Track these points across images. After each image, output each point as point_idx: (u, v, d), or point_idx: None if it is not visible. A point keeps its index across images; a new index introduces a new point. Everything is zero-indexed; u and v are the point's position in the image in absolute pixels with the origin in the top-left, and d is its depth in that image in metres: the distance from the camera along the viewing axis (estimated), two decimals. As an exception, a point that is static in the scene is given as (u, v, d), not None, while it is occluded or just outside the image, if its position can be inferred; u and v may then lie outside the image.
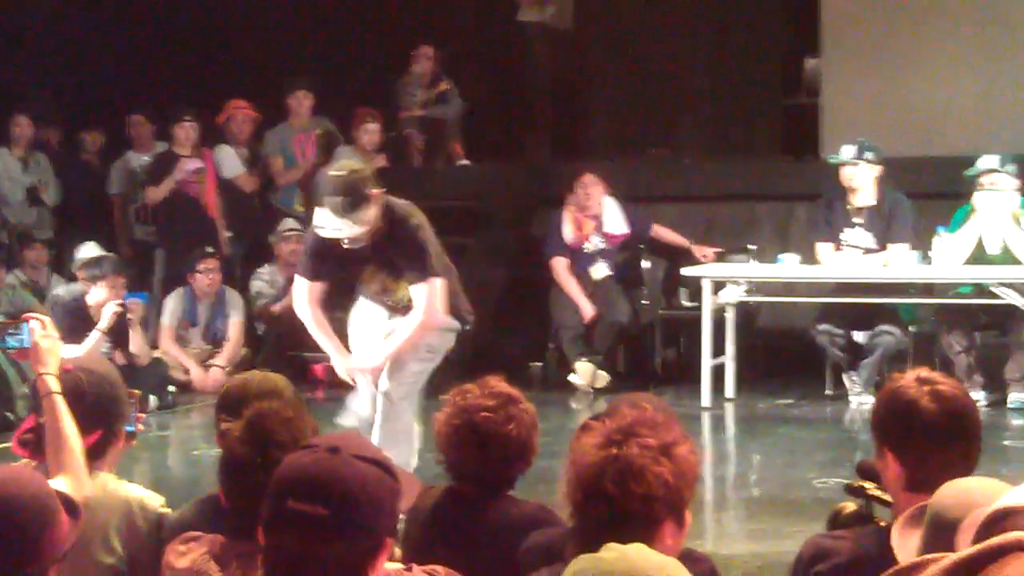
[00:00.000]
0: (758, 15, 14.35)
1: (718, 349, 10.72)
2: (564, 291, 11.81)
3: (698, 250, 12.11)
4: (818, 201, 11.20)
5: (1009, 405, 10.20)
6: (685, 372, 11.59)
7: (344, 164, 7.16)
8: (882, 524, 3.64)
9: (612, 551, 2.51)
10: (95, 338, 10.51)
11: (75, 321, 10.48)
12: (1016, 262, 10.27)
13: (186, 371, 11.80)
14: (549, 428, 8.22)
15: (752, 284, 10.94)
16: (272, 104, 13.48)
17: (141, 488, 4.38)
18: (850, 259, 10.74)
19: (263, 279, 12.50)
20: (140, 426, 4.51)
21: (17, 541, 3.09)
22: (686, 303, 11.91)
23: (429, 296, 6.93)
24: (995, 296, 10.08)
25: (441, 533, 4.23)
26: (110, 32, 14.83)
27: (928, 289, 11.01)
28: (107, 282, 10.85)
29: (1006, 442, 9.32)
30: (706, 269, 11.25)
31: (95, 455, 4.20)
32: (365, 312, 7.31)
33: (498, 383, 4.37)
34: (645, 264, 12.25)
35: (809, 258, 10.87)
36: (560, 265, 11.88)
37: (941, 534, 2.85)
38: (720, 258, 11.97)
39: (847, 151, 10.76)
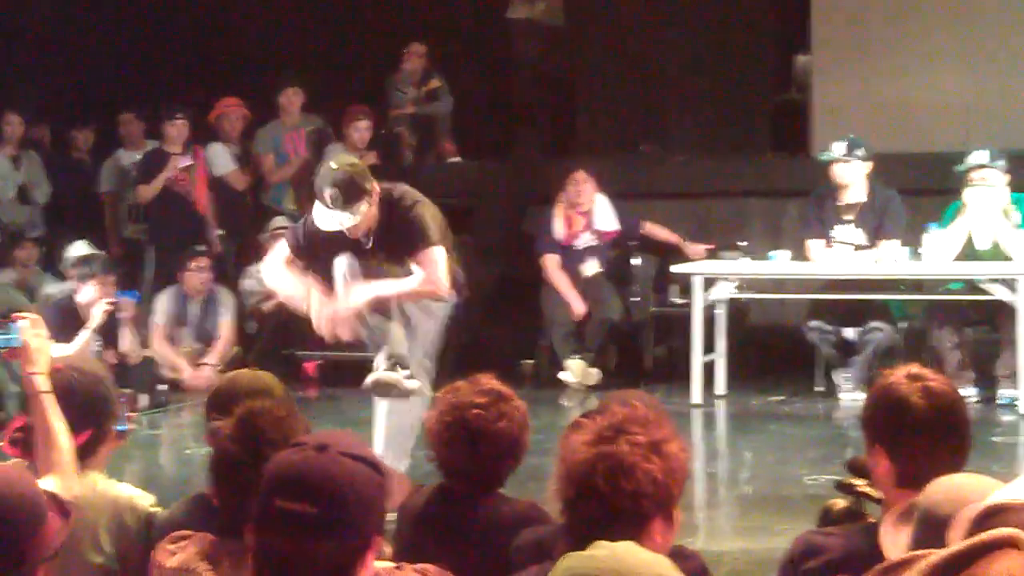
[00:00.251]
0: (749, 12, 14.35)
1: (709, 346, 10.72)
2: (555, 288, 11.81)
3: (689, 247, 12.11)
4: (809, 198, 11.21)
5: (999, 401, 10.21)
6: (676, 369, 11.59)
7: (342, 159, 7.16)
8: (872, 521, 3.64)
9: (602, 548, 2.51)
10: (85, 337, 10.49)
11: (65, 320, 10.46)
12: (1006, 258, 10.28)
13: (177, 370, 11.78)
14: (540, 425, 8.20)
15: (743, 281, 10.95)
16: (263, 102, 13.47)
17: (131, 487, 4.38)
18: (841, 256, 10.75)
19: (254, 277, 12.48)
20: (131, 425, 4.51)
21: (6, 541, 3.08)
22: (677, 300, 11.91)
23: (433, 264, 6.91)
24: (985, 292, 10.08)
25: (432, 531, 4.23)
26: (101, 30, 14.82)
27: (918, 285, 11.02)
28: (97, 281, 10.84)
29: (996, 438, 9.32)
30: (697, 266, 11.26)
31: (85, 454, 4.20)
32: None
33: (489, 380, 4.37)
34: (636, 261, 12.25)
35: (800, 255, 10.88)
36: (551, 262, 11.88)
37: (931, 530, 2.86)
38: (711, 255, 11.97)
39: (838, 148, 10.76)
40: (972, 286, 10.29)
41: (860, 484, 3.82)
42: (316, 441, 2.93)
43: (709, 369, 10.72)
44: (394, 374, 6.96)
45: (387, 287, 6.96)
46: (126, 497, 4.27)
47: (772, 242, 11.70)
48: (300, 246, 7.13)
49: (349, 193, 6.75)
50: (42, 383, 4.08)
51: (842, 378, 10.70)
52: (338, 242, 6.98)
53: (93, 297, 10.73)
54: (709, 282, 10.74)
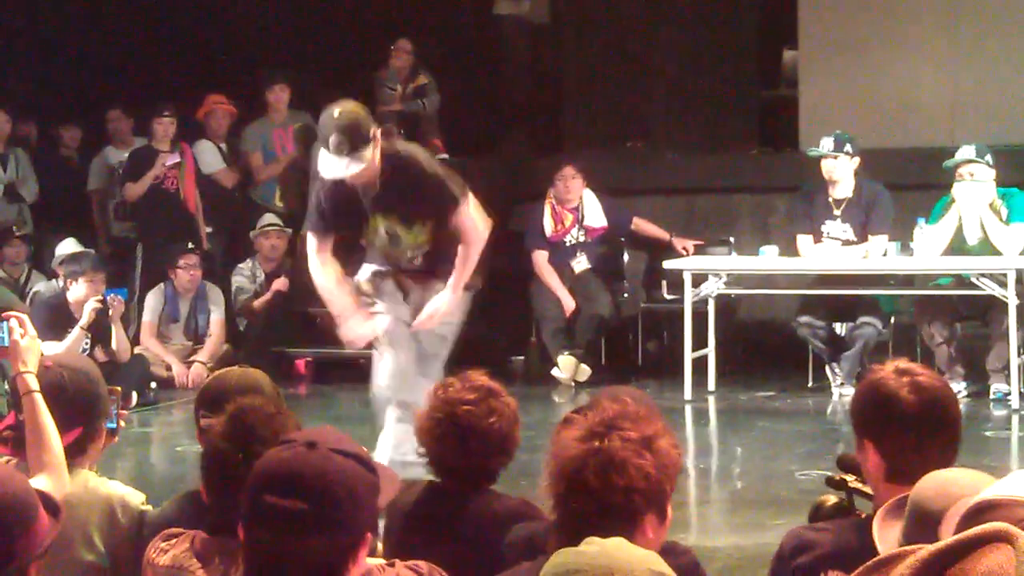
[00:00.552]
0: (736, 8, 14.36)
1: (699, 342, 10.72)
2: (545, 285, 11.81)
3: (678, 243, 12.12)
4: (797, 193, 11.22)
5: (990, 396, 10.22)
6: (667, 365, 11.61)
7: (345, 105, 7.02)
8: (863, 516, 3.64)
9: (593, 545, 2.51)
10: (75, 335, 10.50)
11: (55, 318, 10.46)
12: (995, 252, 10.29)
13: (167, 367, 11.77)
14: (531, 422, 8.22)
15: (732, 277, 10.96)
16: (251, 99, 13.46)
17: (122, 485, 4.37)
18: (830, 251, 10.76)
19: (244, 275, 12.48)
20: (122, 423, 4.50)
21: None
22: (667, 296, 11.92)
23: (471, 217, 6.94)
24: (975, 287, 10.10)
25: (423, 528, 4.23)
26: (87, 27, 14.79)
27: (908, 280, 11.04)
28: (87, 278, 10.84)
29: (987, 433, 9.34)
30: (687, 262, 11.27)
31: (75, 452, 4.19)
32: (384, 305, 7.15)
33: (479, 377, 4.37)
34: (625, 257, 12.26)
35: (789, 250, 10.88)
36: (541, 259, 11.89)
37: (922, 525, 2.86)
38: (700, 251, 11.98)
39: (826, 144, 10.76)
40: (962, 281, 10.30)
41: (851, 480, 3.83)
42: (306, 438, 2.93)
43: (700, 365, 10.72)
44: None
45: (449, 292, 7.01)
46: (117, 495, 4.27)
47: (760, 238, 11.71)
48: (320, 224, 7.05)
49: (354, 139, 6.66)
50: (31, 383, 4.08)
51: (833, 373, 10.71)
52: (349, 204, 6.90)
53: (82, 295, 10.73)
54: (699, 278, 10.75)
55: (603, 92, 14.33)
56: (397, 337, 7.06)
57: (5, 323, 4.17)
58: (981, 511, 2.27)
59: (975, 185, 10.32)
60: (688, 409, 10.42)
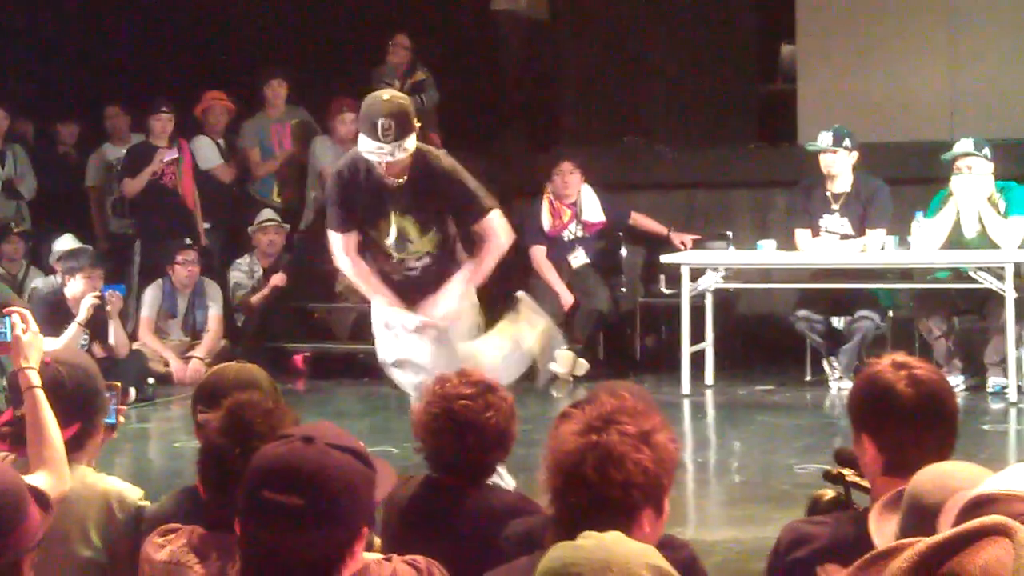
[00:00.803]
0: (733, 3, 14.35)
1: (697, 336, 10.73)
2: (543, 280, 11.81)
3: (676, 237, 12.12)
4: (796, 188, 11.22)
5: (988, 389, 10.23)
6: (665, 359, 11.60)
7: (393, 92, 7.04)
8: (860, 509, 3.64)
9: (590, 539, 2.51)
10: (73, 331, 10.49)
11: (53, 314, 10.46)
12: (993, 246, 10.29)
13: (165, 363, 11.77)
14: (529, 416, 8.22)
15: (730, 271, 10.96)
16: (248, 95, 13.45)
17: (120, 481, 4.37)
18: (828, 245, 10.76)
19: (242, 270, 12.48)
20: (121, 418, 4.50)
21: None
22: (665, 290, 11.92)
23: (498, 223, 6.97)
24: (973, 280, 10.10)
25: (420, 523, 4.23)
26: (84, 23, 14.78)
27: (906, 274, 11.04)
28: (85, 274, 10.84)
29: (985, 426, 9.34)
30: (685, 256, 11.27)
31: (73, 448, 4.19)
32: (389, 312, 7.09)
33: (477, 371, 4.37)
34: (623, 252, 12.26)
35: (787, 245, 10.88)
36: (539, 254, 11.89)
37: (919, 519, 2.86)
38: (698, 245, 11.98)
39: (824, 138, 10.77)
40: (960, 274, 10.31)
41: (848, 474, 3.82)
42: (303, 433, 2.93)
43: (698, 359, 10.72)
44: None
45: (461, 283, 6.97)
46: (115, 490, 4.27)
47: (758, 232, 11.72)
48: (341, 220, 7.00)
49: (403, 125, 6.63)
50: (33, 378, 4.08)
51: (831, 367, 10.71)
52: (370, 198, 6.87)
53: (80, 291, 10.73)
54: (697, 272, 10.75)
55: (601, 87, 14.32)
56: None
57: (8, 319, 4.17)
58: (979, 505, 2.26)
59: (973, 179, 10.33)
60: (686, 403, 10.42)
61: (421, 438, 4.33)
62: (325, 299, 12.53)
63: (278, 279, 12.25)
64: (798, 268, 11.16)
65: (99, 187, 13.53)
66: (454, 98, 14.20)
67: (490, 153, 14.19)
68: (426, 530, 4.15)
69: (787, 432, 9.40)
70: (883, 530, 3.13)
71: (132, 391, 10.55)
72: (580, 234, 11.96)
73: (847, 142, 10.71)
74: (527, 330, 7.19)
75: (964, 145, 10.44)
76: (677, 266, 10.89)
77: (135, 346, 11.43)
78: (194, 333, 12.06)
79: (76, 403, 4.25)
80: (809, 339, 10.87)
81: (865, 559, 2.28)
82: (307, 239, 12.49)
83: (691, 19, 14.06)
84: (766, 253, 10.89)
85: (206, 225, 12.96)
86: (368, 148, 6.70)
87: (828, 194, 10.81)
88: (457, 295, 6.99)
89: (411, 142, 6.67)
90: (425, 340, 6.99)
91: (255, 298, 12.24)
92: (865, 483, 3.72)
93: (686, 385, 10.57)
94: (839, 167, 10.74)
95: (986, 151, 10.37)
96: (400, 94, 7.12)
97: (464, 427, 4.24)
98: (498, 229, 6.97)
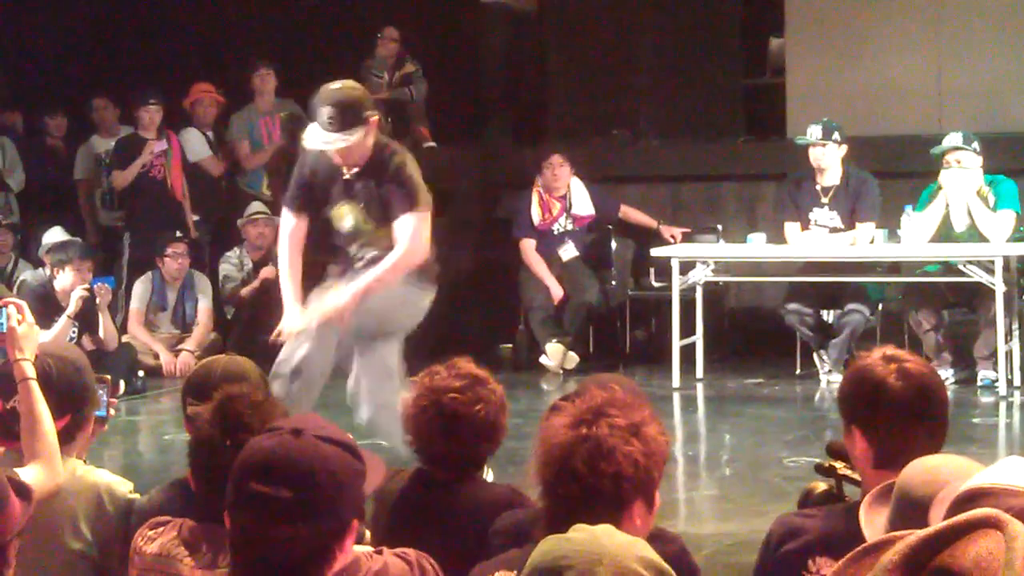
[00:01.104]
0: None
1: (687, 329, 10.73)
2: (533, 273, 11.81)
3: (666, 230, 12.12)
4: (785, 181, 11.23)
5: (978, 383, 10.24)
6: (655, 352, 11.62)
7: (347, 82, 6.98)
8: (852, 502, 3.64)
9: (580, 531, 2.51)
10: (62, 323, 10.48)
11: (42, 306, 10.41)
12: (983, 240, 10.30)
13: (155, 356, 11.76)
14: (519, 410, 8.24)
15: (720, 264, 10.97)
16: (236, 87, 13.44)
17: (110, 474, 4.36)
18: (818, 238, 10.77)
19: (231, 263, 12.47)
20: (111, 411, 4.49)
21: None
22: (655, 284, 11.93)
23: (416, 228, 6.72)
24: (962, 274, 10.11)
25: (410, 516, 4.23)
26: (71, 14, 14.75)
27: (896, 267, 11.05)
28: (74, 267, 10.83)
29: (975, 420, 9.35)
30: (674, 249, 11.27)
31: (64, 441, 4.18)
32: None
33: (466, 364, 4.36)
34: (613, 245, 12.26)
35: (777, 238, 10.89)
36: (529, 247, 11.89)
37: (909, 512, 2.86)
38: (688, 238, 11.98)
39: (813, 131, 10.77)
40: (949, 268, 10.32)
41: (839, 467, 3.83)
42: (292, 425, 2.93)
43: (688, 352, 10.73)
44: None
45: (366, 279, 6.78)
46: (105, 483, 4.26)
47: (748, 225, 11.73)
48: (297, 200, 6.98)
49: (345, 115, 6.58)
50: (28, 370, 4.07)
51: (821, 360, 10.72)
52: (329, 182, 6.82)
53: (69, 283, 10.72)
54: (687, 265, 10.75)
55: (589, 80, 14.30)
56: (322, 332, 6.86)
57: (4, 310, 4.17)
58: (971, 499, 2.26)
59: (962, 172, 10.33)
60: (676, 396, 10.43)
61: (411, 431, 4.32)
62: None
63: (268, 272, 12.22)
64: (788, 261, 11.17)
65: (88, 180, 13.51)
66: (443, 90, 14.20)
67: (478, 146, 14.20)
68: (416, 523, 4.15)
69: (777, 425, 9.40)
70: (873, 523, 3.13)
71: (122, 384, 10.52)
72: (570, 227, 11.96)
73: (836, 135, 10.72)
74: None
75: (953, 139, 10.45)
76: (667, 259, 10.90)
77: (124, 339, 11.42)
78: (184, 326, 12.06)
79: (66, 396, 4.24)
80: (799, 332, 10.87)
81: (856, 552, 2.28)
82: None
83: (679, 12, 14.05)
84: (756, 247, 10.90)
85: (195, 217, 12.94)
86: (312, 135, 6.69)
87: (817, 187, 10.82)
88: (350, 294, 6.77)
89: (355, 134, 6.60)
90: (303, 339, 6.88)
91: (245, 291, 12.22)
92: (856, 476, 3.72)
93: (676, 378, 10.57)
94: (828, 160, 10.75)
95: (975, 145, 10.38)
96: (354, 85, 7.02)
97: (453, 420, 4.23)
98: (412, 235, 6.71)
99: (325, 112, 6.64)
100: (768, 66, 14.98)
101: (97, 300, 10.73)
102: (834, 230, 10.76)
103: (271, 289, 12.25)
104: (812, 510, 3.70)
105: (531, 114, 14.69)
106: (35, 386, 4.05)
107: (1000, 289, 9.92)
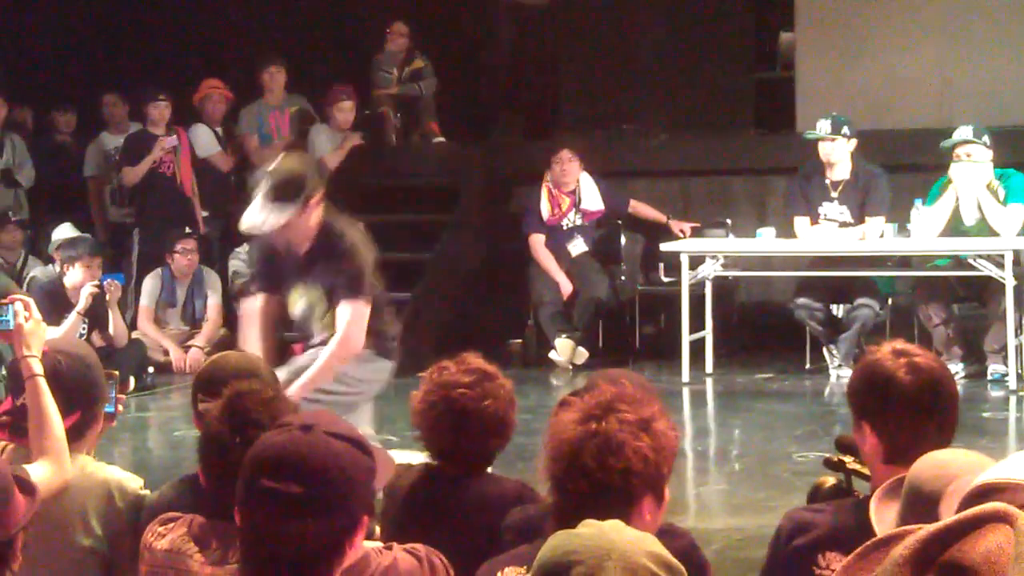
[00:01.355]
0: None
1: (697, 324, 10.73)
2: (542, 268, 11.80)
3: (676, 225, 12.12)
4: (795, 175, 11.21)
5: (988, 377, 10.23)
6: (664, 347, 11.61)
7: (289, 160, 6.71)
8: (861, 497, 3.64)
9: (590, 527, 2.51)
10: (72, 320, 10.49)
11: (52, 303, 10.44)
12: (993, 233, 10.29)
13: (165, 352, 11.77)
14: (529, 405, 8.24)
15: (730, 259, 10.96)
16: (245, 83, 13.44)
17: (120, 470, 4.36)
18: (827, 232, 10.75)
19: (241, 259, 12.47)
20: (120, 407, 4.49)
21: None
22: (664, 278, 11.93)
23: (352, 319, 6.40)
24: (972, 268, 10.10)
25: (420, 511, 4.23)
26: (80, 10, 14.77)
27: (905, 261, 11.04)
28: (84, 263, 10.84)
29: (985, 414, 9.35)
30: (684, 244, 11.27)
31: (73, 437, 4.18)
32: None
33: (475, 359, 4.36)
34: (623, 240, 12.26)
35: (786, 232, 10.88)
36: (538, 242, 11.88)
37: (919, 506, 2.86)
38: (697, 233, 11.98)
39: (823, 126, 10.76)
40: (959, 262, 10.31)
41: (849, 461, 3.82)
42: (302, 421, 2.93)
43: (697, 347, 10.73)
44: None
45: (311, 371, 6.44)
46: (115, 479, 4.26)
47: (757, 220, 11.72)
48: (258, 280, 6.81)
49: (279, 191, 6.31)
50: (35, 367, 4.08)
51: (831, 355, 10.71)
52: (285, 261, 6.58)
53: (79, 280, 10.73)
54: (696, 260, 10.75)
55: (599, 75, 14.30)
56: None
57: (10, 306, 4.17)
58: (983, 494, 2.25)
59: (972, 166, 10.32)
60: (686, 391, 10.43)
61: (420, 427, 4.32)
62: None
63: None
64: (797, 256, 11.15)
65: (98, 176, 13.52)
66: (452, 86, 14.20)
67: (488, 141, 14.20)
68: (426, 519, 4.15)
69: (787, 420, 9.40)
70: (884, 517, 3.13)
71: (132, 380, 10.57)
72: (579, 222, 11.96)
73: (845, 130, 10.71)
74: None
75: (963, 132, 10.44)
76: (676, 254, 10.90)
77: (134, 335, 11.43)
78: (193, 322, 12.07)
79: (75, 393, 4.24)
80: (809, 327, 10.86)
81: (866, 546, 2.28)
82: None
83: (689, 7, 14.04)
84: (766, 241, 10.89)
85: (204, 214, 12.94)
86: (248, 212, 6.44)
87: (827, 182, 10.81)
88: (293, 391, 6.25)
89: (289, 212, 6.31)
90: None
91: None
92: (865, 470, 3.72)
93: (686, 373, 10.57)
94: (838, 155, 10.74)
95: (985, 139, 10.37)
96: (297, 162, 6.73)
97: (462, 415, 4.23)
98: (347, 326, 6.40)
99: (262, 186, 6.41)
100: (778, 60, 14.95)
101: (107, 297, 10.74)
102: (844, 224, 10.75)
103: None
104: (821, 505, 3.70)
105: (541, 109, 14.69)
106: (42, 383, 4.05)
107: (1010, 283, 9.91)
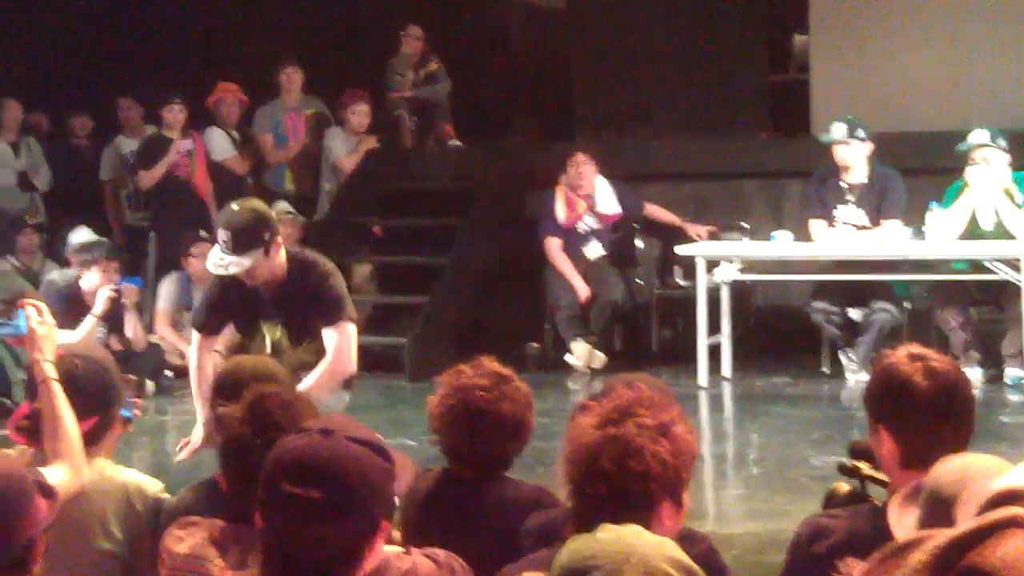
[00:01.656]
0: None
1: (714, 328, 10.72)
2: (559, 271, 11.80)
3: (692, 229, 12.10)
4: (810, 178, 11.20)
5: (1006, 381, 10.20)
6: (681, 351, 11.58)
7: (245, 204, 6.72)
8: (876, 503, 3.64)
9: (608, 531, 2.52)
10: (90, 324, 10.51)
11: (69, 306, 10.46)
12: (1010, 237, 10.27)
13: (182, 356, 11.77)
14: (546, 409, 8.24)
15: (746, 262, 10.95)
16: (260, 87, 13.46)
17: (139, 473, 4.38)
18: (844, 236, 10.74)
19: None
20: (136, 412, 4.50)
21: None
22: (681, 282, 11.92)
23: (342, 338, 6.49)
24: (990, 271, 10.08)
25: (439, 516, 4.23)
26: (96, 14, 14.80)
27: (922, 265, 11.01)
28: (100, 267, 10.85)
29: (1003, 418, 9.32)
30: (700, 248, 11.26)
31: (91, 441, 4.20)
32: None
33: (491, 363, 4.36)
34: (639, 243, 12.25)
35: (802, 235, 10.87)
36: (554, 245, 11.87)
37: (939, 511, 2.86)
38: (713, 237, 11.97)
39: (838, 129, 10.75)
40: (976, 265, 10.29)
41: (863, 467, 3.82)
42: (321, 426, 2.93)
43: (714, 351, 10.72)
44: None
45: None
46: (134, 483, 4.27)
47: (773, 223, 11.70)
48: (206, 323, 6.82)
49: (239, 239, 6.35)
50: (49, 371, 4.09)
51: (847, 359, 10.69)
52: (245, 304, 6.64)
53: (96, 283, 10.74)
54: (712, 264, 10.74)
55: (614, 78, 14.29)
56: None
57: (23, 311, 4.19)
58: (1002, 501, 2.26)
59: (989, 170, 10.31)
60: (703, 395, 10.42)
61: (437, 430, 4.33)
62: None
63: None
64: (814, 259, 11.13)
65: (114, 180, 13.55)
66: (467, 89, 14.21)
67: (503, 144, 14.21)
68: (445, 523, 4.15)
69: (804, 424, 9.38)
70: (903, 523, 3.14)
71: (150, 384, 10.59)
72: (595, 226, 11.95)
73: (860, 133, 10.70)
74: None
75: (980, 136, 10.42)
76: (693, 258, 10.89)
77: (152, 339, 11.44)
78: (210, 326, 12.07)
79: (92, 397, 4.25)
80: (825, 331, 10.84)
81: (884, 551, 2.28)
82: (322, 231, 12.52)
83: (704, 9, 14.04)
84: (782, 244, 10.88)
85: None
86: (211, 257, 6.51)
87: (843, 185, 10.79)
88: None
89: (251, 257, 6.35)
90: None
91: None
92: (880, 476, 3.72)
93: (703, 377, 10.56)
94: (854, 158, 10.72)
95: (1001, 142, 10.35)
96: (253, 207, 6.69)
97: (480, 418, 4.23)
98: (337, 349, 6.48)
99: (221, 235, 6.43)
100: (792, 63, 14.95)
101: (124, 300, 10.76)
102: (860, 228, 10.73)
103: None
104: (837, 511, 3.70)
105: (556, 112, 14.69)
106: (56, 387, 4.06)
107: (1026, 287, 9.90)
